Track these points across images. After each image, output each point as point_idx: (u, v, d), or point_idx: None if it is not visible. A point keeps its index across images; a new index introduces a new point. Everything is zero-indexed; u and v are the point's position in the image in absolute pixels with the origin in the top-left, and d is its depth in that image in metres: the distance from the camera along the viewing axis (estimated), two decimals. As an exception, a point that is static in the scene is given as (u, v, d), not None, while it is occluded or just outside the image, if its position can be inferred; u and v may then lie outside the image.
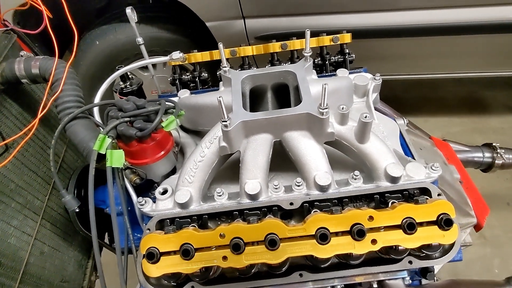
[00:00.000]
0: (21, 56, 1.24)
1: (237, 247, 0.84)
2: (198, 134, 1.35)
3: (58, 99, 1.14)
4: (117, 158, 0.99)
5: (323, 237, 0.83)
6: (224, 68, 1.15)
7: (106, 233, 1.52)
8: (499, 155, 1.78)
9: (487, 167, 1.85)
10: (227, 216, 1.06)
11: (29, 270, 1.26)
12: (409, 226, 0.82)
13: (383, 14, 2.16)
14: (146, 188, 1.26)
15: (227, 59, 1.19)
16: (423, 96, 3.40)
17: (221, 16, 2.22)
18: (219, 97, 0.88)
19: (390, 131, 1.29)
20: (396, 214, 0.84)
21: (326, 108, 0.93)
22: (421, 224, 0.85)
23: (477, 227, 1.36)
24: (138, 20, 1.42)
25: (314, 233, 0.84)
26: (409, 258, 0.94)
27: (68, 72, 1.17)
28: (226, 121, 0.94)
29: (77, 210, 1.22)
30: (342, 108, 0.99)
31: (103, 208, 1.42)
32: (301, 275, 0.97)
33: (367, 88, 1.34)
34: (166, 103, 1.07)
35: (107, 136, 0.98)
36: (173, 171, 1.22)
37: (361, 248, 0.84)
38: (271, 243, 0.84)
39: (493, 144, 1.81)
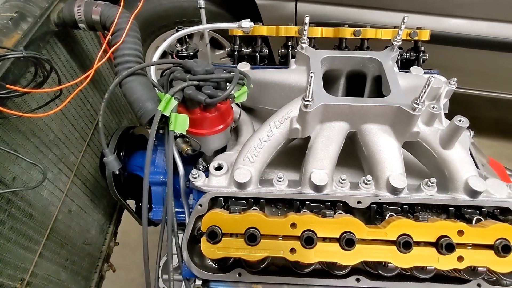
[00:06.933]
0: (82, -2, 1.14)
1: (309, 240, 0.76)
2: (251, 113, 1.27)
3: (118, 50, 1.05)
4: (181, 123, 0.90)
5: (406, 244, 0.75)
6: (303, 44, 1.05)
7: (134, 201, 1.45)
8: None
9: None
10: (284, 204, 0.99)
11: (56, 227, 1.19)
12: (504, 248, 0.74)
13: (440, 18, 2.05)
14: (189, 162, 1.17)
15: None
16: (455, 113, 3.30)
17: (274, -5, 2.11)
18: (311, 72, 0.79)
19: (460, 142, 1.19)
20: (490, 233, 0.76)
21: (423, 104, 0.84)
22: (514, 247, 0.77)
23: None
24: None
25: (395, 239, 0.76)
26: (478, 281, 0.87)
27: (131, 24, 1.07)
28: (309, 102, 0.85)
29: (117, 173, 1.14)
30: (433, 108, 0.90)
31: (139, 175, 1.35)
32: (358, 279, 0.89)
33: (439, 92, 1.25)
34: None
35: (173, 98, 0.90)
36: (223, 148, 1.14)
37: (445, 263, 0.76)
38: (348, 242, 0.76)
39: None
